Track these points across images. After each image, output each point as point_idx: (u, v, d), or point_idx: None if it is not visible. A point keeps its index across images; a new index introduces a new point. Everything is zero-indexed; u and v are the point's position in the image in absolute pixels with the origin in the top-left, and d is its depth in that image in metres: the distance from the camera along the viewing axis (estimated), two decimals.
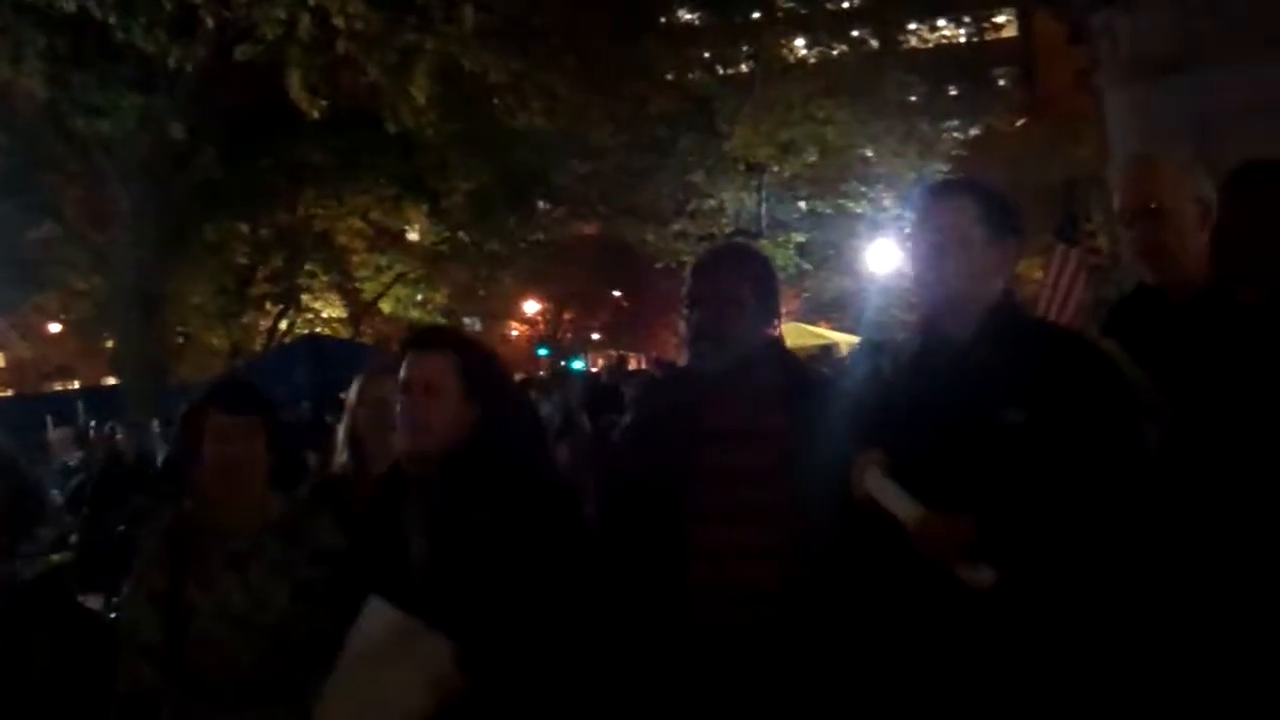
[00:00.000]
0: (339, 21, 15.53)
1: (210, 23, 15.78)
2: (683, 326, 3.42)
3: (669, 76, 23.74)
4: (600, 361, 40.20)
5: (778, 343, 3.55)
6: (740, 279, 3.40)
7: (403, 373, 3.25)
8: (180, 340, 28.55)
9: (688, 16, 26.06)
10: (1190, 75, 5.61)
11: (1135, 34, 5.90)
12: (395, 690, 2.98)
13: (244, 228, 25.95)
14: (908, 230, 3.20)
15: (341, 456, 4.36)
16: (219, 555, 3.40)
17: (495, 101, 19.48)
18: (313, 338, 23.56)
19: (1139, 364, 3.01)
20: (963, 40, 33.12)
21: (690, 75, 25.58)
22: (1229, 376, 2.82)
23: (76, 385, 33.52)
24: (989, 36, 34.18)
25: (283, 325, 29.54)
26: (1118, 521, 2.80)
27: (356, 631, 3.05)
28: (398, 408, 3.25)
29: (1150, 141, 5.60)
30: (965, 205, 3.03)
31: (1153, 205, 3.18)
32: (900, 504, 2.89)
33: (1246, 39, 5.45)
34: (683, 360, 3.81)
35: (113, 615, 5.38)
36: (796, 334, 22.04)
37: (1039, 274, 30.28)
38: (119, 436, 13.29)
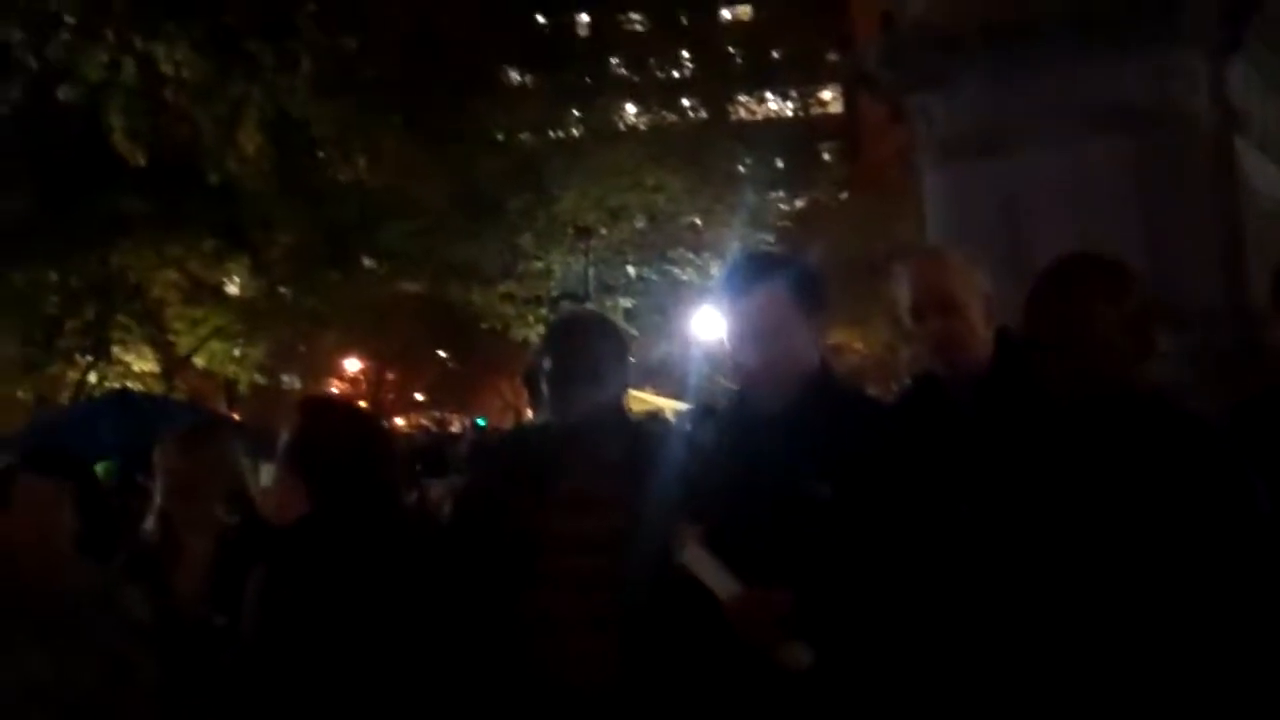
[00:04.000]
0: (166, 69, 15.09)
1: (31, 62, 15.17)
2: (544, 386, 3.39)
3: (499, 137, 23.71)
4: (423, 422, 39.71)
5: (623, 410, 3.59)
6: (599, 347, 3.41)
7: None
8: None
9: (518, 78, 26.09)
10: (1003, 157, 5.72)
11: (950, 115, 6.00)
12: None
13: (54, 276, 24.98)
14: (723, 306, 3.17)
15: (152, 521, 4.13)
16: (23, 624, 3.21)
17: (320, 154, 19.15)
18: (122, 393, 22.60)
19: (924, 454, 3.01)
20: (790, 114, 33.87)
21: (520, 137, 25.59)
22: (1025, 469, 2.82)
23: None
24: (815, 111, 35.04)
25: (92, 378, 28.43)
26: (925, 597, 2.79)
27: None
28: None
29: (964, 221, 5.69)
30: (777, 288, 3.05)
31: (944, 299, 3.24)
32: (715, 579, 2.86)
33: (1058, 121, 5.57)
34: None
35: None
36: None
37: (859, 345, 30.92)
38: None
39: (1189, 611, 2.52)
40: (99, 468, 11.60)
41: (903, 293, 3.45)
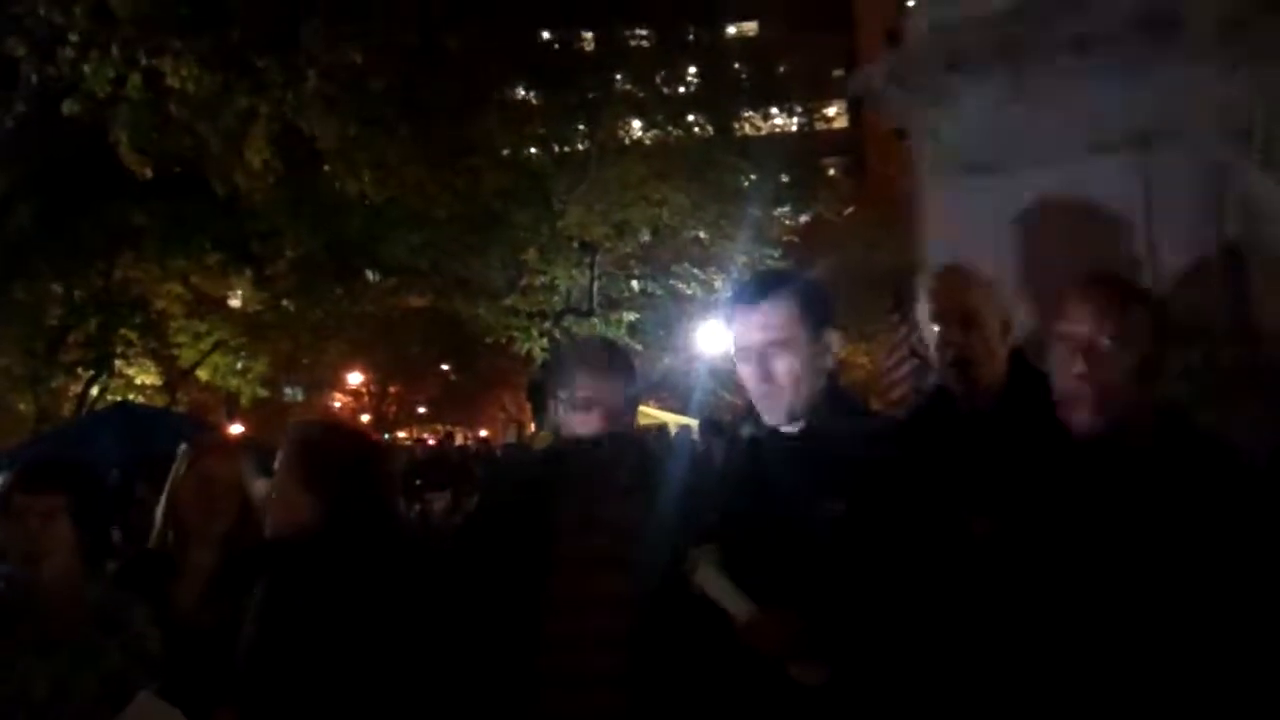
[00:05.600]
0: (172, 82, 15.12)
1: (34, 79, 15.21)
2: (561, 410, 3.46)
3: (504, 152, 23.71)
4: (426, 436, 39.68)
5: (631, 432, 3.63)
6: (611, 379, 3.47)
7: None
8: None
9: (524, 94, 26.11)
10: (1008, 175, 5.71)
11: (955, 133, 6.00)
12: None
13: (57, 288, 25.01)
14: (730, 322, 3.16)
15: (158, 529, 4.19)
16: (24, 639, 3.22)
17: (325, 169, 19.15)
18: (124, 405, 22.64)
19: (936, 468, 3.00)
20: (795, 129, 33.85)
21: (526, 152, 25.60)
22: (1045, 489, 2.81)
23: None
24: (820, 127, 35.02)
25: (94, 391, 28.45)
26: (938, 612, 2.79)
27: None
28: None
29: (967, 239, 5.67)
30: (788, 305, 3.06)
31: (965, 313, 3.26)
32: (729, 599, 2.87)
33: (1063, 140, 5.56)
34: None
35: None
36: None
37: (863, 359, 30.89)
38: None
39: (1215, 639, 2.52)
40: None
41: (925, 307, 3.47)
